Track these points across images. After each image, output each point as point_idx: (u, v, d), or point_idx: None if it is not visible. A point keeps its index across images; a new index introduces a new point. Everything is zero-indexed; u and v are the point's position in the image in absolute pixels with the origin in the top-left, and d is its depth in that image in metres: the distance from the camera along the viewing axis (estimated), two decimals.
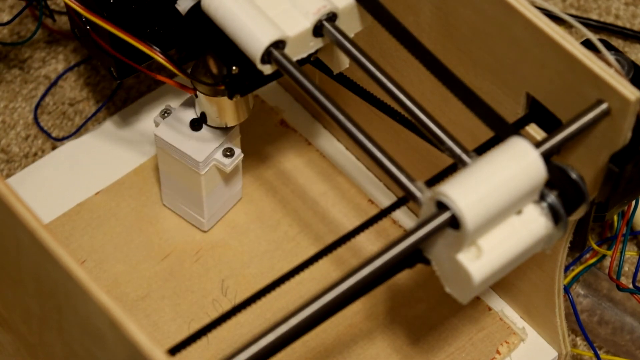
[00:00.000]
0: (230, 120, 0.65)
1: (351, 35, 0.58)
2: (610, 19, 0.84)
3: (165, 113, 0.66)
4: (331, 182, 0.72)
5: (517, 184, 0.49)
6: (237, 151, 0.66)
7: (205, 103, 0.64)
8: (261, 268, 0.69)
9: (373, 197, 0.72)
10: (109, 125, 0.74)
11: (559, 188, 0.51)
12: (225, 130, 0.65)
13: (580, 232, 0.59)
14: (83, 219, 0.70)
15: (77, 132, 0.75)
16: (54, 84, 0.78)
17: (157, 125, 0.66)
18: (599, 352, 0.68)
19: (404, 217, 0.71)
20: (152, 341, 0.42)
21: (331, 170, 0.73)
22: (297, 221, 0.71)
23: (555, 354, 0.65)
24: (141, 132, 0.74)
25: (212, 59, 0.62)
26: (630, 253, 0.72)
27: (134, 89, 0.77)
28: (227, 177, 0.68)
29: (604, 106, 0.52)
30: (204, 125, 0.65)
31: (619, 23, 0.84)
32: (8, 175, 0.73)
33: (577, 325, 0.66)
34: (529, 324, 0.66)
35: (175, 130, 0.65)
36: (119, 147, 0.73)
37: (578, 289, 0.69)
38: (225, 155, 0.65)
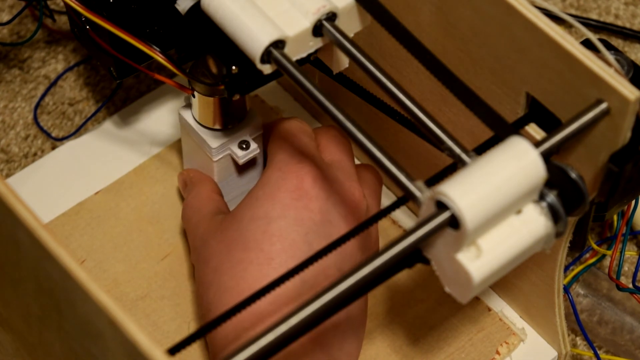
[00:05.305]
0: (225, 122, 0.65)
1: (351, 35, 0.58)
2: (610, 19, 0.84)
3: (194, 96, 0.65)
4: None
5: (516, 184, 0.49)
6: (254, 145, 0.65)
7: (201, 104, 0.64)
8: None
9: None
10: (109, 125, 0.74)
11: (559, 187, 0.51)
12: (246, 122, 0.65)
13: (580, 231, 0.59)
14: (83, 218, 0.70)
15: (77, 132, 0.75)
16: (53, 84, 0.78)
17: (185, 104, 0.66)
18: (598, 352, 0.68)
19: (403, 217, 0.71)
20: (152, 341, 0.42)
21: None
22: None
23: (555, 354, 0.65)
24: (141, 132, 0.74)
25: (212, 59, 0.62)
26: (630, 253, 0.72)
27: (134, 89, 0.77)
28: (242, 170, 0.67)
29: (603, 106, 0.52)
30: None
31: (619, 23, 0.84)
32: (8, 175, 0.73)
33: (577, 325, 0.66)
34: (529, 324, 0.66)
35: None
36: (119, 147, 0.73)
37: (578, 289, 0.69)
38: (241, 148, 0.65)
